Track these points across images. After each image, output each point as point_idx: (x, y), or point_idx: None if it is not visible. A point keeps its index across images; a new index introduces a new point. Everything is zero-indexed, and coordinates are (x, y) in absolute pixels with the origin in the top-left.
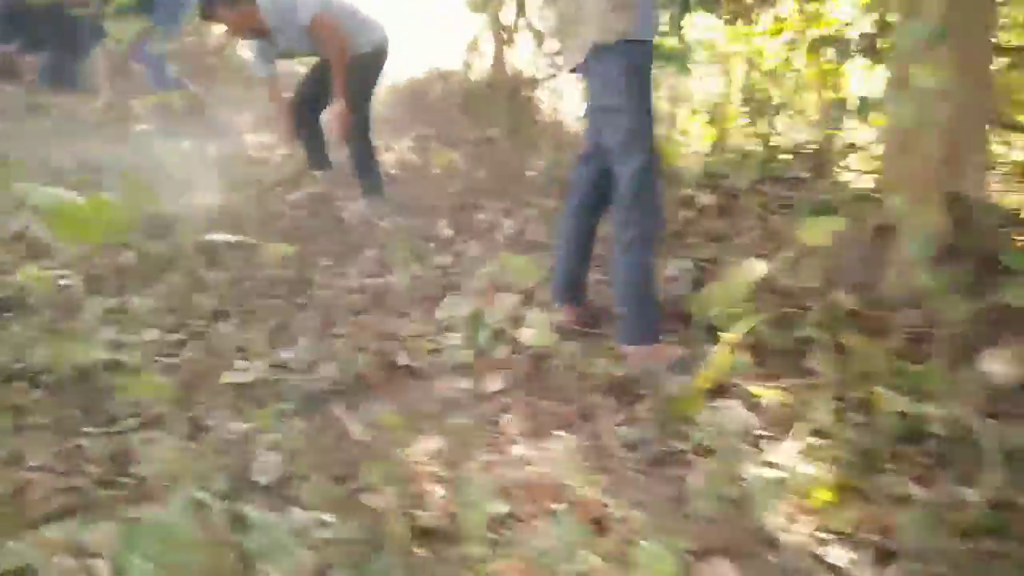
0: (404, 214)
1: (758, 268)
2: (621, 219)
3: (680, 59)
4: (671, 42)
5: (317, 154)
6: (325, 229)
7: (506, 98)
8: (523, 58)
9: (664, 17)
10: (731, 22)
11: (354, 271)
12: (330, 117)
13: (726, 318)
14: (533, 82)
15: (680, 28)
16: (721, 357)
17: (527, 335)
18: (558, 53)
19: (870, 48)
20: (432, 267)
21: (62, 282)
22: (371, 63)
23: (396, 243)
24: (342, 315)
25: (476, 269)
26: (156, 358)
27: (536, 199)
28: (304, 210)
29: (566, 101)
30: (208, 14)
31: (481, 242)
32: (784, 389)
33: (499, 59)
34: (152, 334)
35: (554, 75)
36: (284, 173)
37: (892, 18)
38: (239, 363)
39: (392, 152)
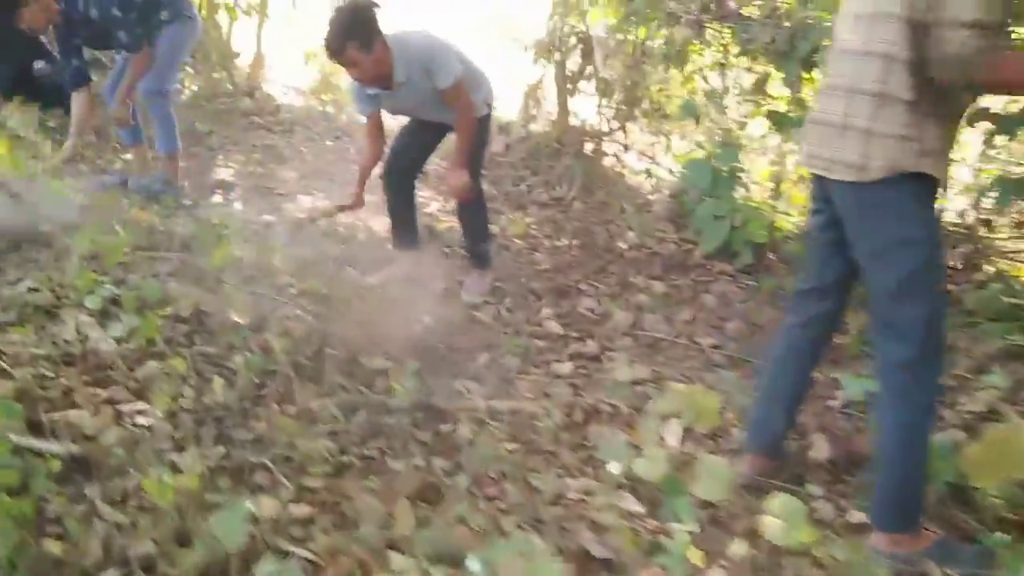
0: (497, 298)
1: None
2: (902, 379)
3: (797, 122)
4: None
5: (408, 231)
6: (422, 324)
7: (575, 154)
8: (588, 109)
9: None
10: None
11: (473, 386)
12: (452, 184)
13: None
14: (600, 136)
15: (799, 91)
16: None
17: (775, 531)
18: (622, 105)
19: None
20: (553, 376)
21: (139, 420)
22: (487, 124)
23: (505, 345)
24: (485, 462)
25: (607, 382)
26: (286, 548)
27: (640, 280)
28: (393, 301)
29: (632, 157)
30: (335, 55)
31: (597, 340)
32: None
33: (563, 110)
34: (270, 506)
35: (621, 129)
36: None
37: None
38: (395, 559)
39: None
